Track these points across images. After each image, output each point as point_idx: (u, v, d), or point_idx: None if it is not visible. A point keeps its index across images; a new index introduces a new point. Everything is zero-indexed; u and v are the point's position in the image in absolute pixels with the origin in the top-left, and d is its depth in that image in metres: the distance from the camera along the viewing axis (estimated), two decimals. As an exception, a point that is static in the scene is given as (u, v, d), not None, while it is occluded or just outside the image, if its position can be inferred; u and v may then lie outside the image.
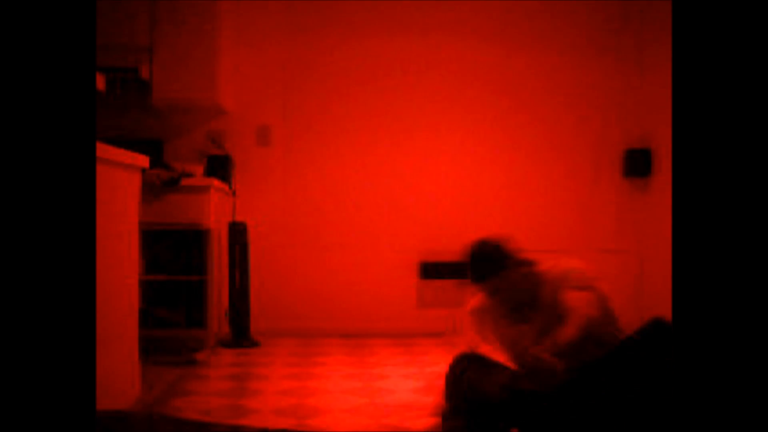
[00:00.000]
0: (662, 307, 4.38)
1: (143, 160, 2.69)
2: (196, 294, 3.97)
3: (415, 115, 4.61)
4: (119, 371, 2.58)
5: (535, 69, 4.67)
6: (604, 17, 4.71)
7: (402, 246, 4.58)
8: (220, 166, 4.29)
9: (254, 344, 4.09)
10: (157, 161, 4.00)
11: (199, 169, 4.10)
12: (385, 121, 4.60)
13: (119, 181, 2.54)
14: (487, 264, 2.41)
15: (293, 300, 4.52)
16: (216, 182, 3.95)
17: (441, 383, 2.44)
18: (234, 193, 4.41)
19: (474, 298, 2.52)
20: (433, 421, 2.44)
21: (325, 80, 4.59)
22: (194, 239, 3.98)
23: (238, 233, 4.13)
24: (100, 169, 2.24)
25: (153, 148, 4.21)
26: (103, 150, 2.25)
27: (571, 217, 4.69)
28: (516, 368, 2.28)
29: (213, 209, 3.88)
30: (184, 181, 3.82)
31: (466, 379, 2.28)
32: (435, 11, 4.62)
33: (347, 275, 4.57)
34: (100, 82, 2.59)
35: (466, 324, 2.52)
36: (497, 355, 2.35)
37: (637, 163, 4.62)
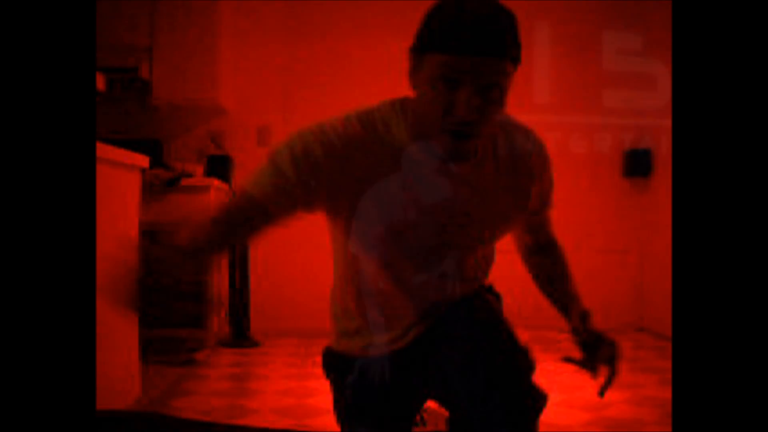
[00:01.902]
0: (662, 307, 4.38)
1: (143, 160, 2.69)
2: (196, 294, 3.96)
3: (415, 115, 4.60)
4: (119, 371, 2.58)
5: (534, 68, 4.67)
6: (605, 17, 4.70)
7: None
8: (220, 166, 4.28)
9: (254, 344, 4.09)
10: (157, 161, 4.00)
11: (199, 169, 4.10)
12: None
13: (119, 181, 2.54)
14: None
15: (293, 300, 4.51)
16: (216, 182, 3.94)
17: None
18: (234, 194, 4.41)
19: None
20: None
21: (326, 80, 4.59)
22: (194, 239, 3.97)
23: (238, 233, 4.12)
24: (100, 169, 2.24)
25: (153, 148, 4.21)
26: (103, 150, 2.25)
27: (571, 217, 4.68)
28: None
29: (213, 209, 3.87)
30: (184, 181, 3.82)
31: None
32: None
33: (347, 275, 4.57)
34: (100, 82, 2.59)
35: None
36: None
37: (637, 163, 4.62)
